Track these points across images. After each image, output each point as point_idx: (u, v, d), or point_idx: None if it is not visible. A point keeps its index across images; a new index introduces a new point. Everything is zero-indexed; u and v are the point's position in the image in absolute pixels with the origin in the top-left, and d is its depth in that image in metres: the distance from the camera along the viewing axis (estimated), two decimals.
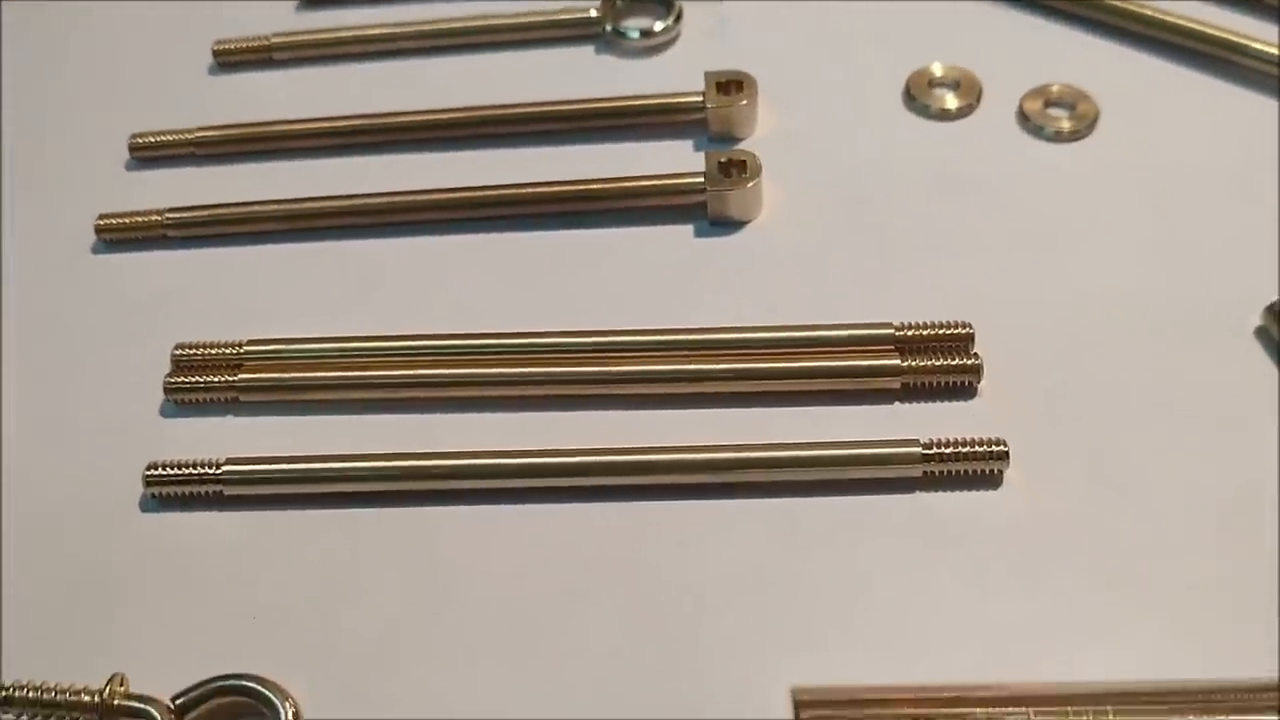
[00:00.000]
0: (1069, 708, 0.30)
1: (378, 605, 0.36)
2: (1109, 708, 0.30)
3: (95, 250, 0.45)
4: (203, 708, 0.34)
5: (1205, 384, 0.39)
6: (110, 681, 0.34)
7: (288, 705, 0.34)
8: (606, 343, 0.40)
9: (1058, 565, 0.35)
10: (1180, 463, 0.37)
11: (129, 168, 0.48)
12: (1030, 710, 0.30)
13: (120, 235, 0.45)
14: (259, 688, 0.34)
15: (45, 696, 0.34)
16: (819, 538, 0.36)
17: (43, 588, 0.37)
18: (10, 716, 0.34)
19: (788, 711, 0.32)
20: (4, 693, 0.34)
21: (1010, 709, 0.30)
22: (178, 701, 0.34)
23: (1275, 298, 0.39)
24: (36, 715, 0.34)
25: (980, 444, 0.36)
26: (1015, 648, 0.34)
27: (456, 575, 0.36)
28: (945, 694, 0.30)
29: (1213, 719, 0.29)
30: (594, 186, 0.44)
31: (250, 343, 0.41)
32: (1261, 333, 0.40)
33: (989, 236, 0.43)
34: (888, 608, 0.35)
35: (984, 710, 0.30)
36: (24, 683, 0.34)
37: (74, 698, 0.34)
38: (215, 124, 0.48)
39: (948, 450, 0.36)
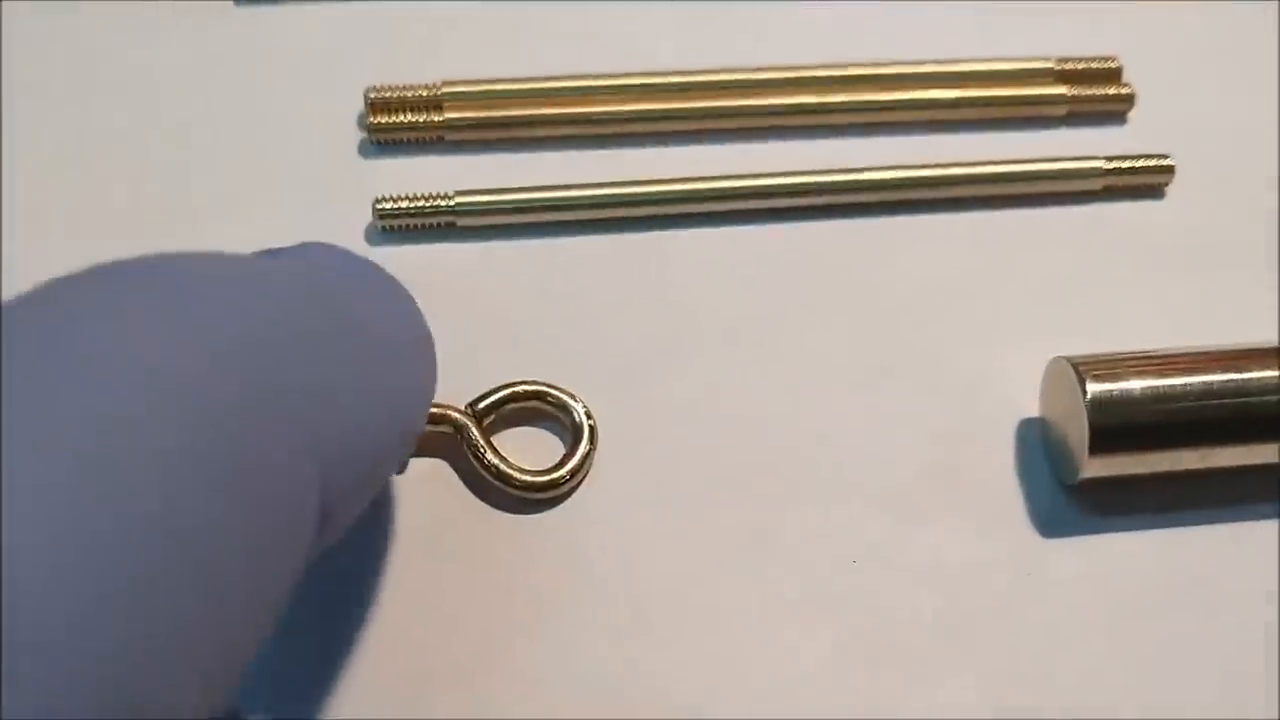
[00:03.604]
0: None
1: (628, 320, 0.38)
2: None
3: (239, 1, 0.44)
4: (497, 413, 0.36)
5: None
6: None
7: (579, 404, 0.36)
8: (796, 77, 0.42)
9: (1217, 258, 0.40)
10: None
11: None
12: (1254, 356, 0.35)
13: None
14: (552, 390, 0.36)
15: None
16: (1018, 245, 0.40)
17: None
18: None
19: (1027, 383, 0.37)
20: None
21: (1244, 358, 0.35)
22: (476, 406, 0.35)
23: None
24: None
25: (1151, 158, 0.41)
26: (1188, 326, 0.39)
27: (691, 292, 0.39)
28: (1189, 352, 0.35)
29: None
30: None
31: (446, 83, 0.41)
32: None
33: None
34: (1087, 299, 0.39)
35: (1226, 360, 0.35)
36: None
37: None
38: None
39: (1125, 165, 0.41)
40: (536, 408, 0.36)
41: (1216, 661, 0.33)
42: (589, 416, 0.35)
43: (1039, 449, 0.36)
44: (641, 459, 0.36)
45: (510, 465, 0.34)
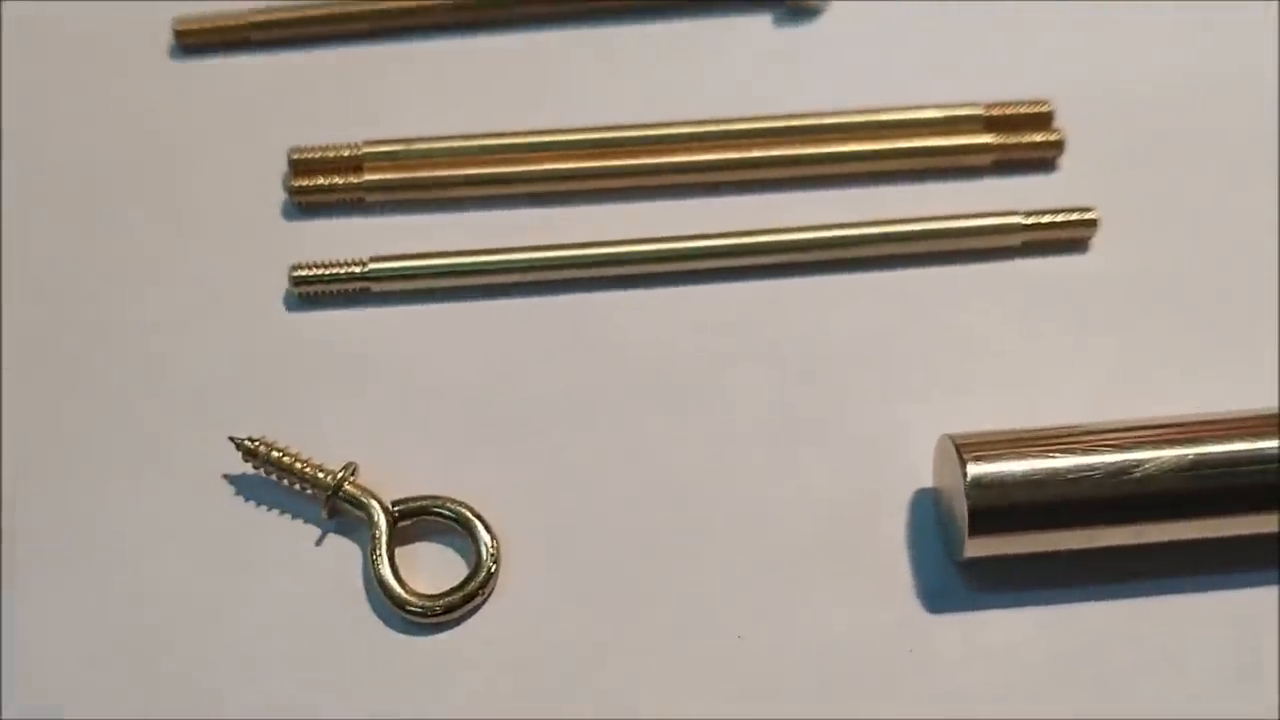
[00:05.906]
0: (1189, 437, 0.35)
1: (537, 385, 0.39)
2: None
3: (174, 55, 0.45)
4: (415, 519, 0.37)
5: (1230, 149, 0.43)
6: (346, 468, 0.36)
7: (490, 539, 0.36)
8: (713, 131, 0.42)
9: (1142, 314, 0.40)
10: (1238, 219, 0.41)
11: None
12: (1148, 435, 0.35)
13: (202, 40, 0.45)
14: (473, 518, 0.36)
15: (287, 460, 0.36)
16: (932, 303, 0.40)
17: (206, 384, 0.39)
18: (250, 467, 0.37)
19: (928, 451, 0.37)
20: (254, 444, 0.36)
21: (1136, 437, 0.34)
22: (397, 508, 0.36)
23: None
24: (273, 473, 0.36)
25: (1072, 211, 0.41)
26: (1112, 386, 0.39)
27: (609, 355, 0.39)
28: (1081, 431, 0.35)
29: None
30: None
31: (367, 144, 0.42)
32: None
33: (1051, 19, 0.45)
34: (1000, 360, 0.39)
35: (1116, 439, 0.34)
36: (270, 441, 0.36)
37: (313, 471, 0.36)
38: None
39: (1044, 220, 0.40)
40: (452, 527, 0.37)
41: None
42: (494, 559, 0.36)
43: (932, 520, 0.36)
44: (550, 522, 0.37)
45: (401, 584, 0.35)
